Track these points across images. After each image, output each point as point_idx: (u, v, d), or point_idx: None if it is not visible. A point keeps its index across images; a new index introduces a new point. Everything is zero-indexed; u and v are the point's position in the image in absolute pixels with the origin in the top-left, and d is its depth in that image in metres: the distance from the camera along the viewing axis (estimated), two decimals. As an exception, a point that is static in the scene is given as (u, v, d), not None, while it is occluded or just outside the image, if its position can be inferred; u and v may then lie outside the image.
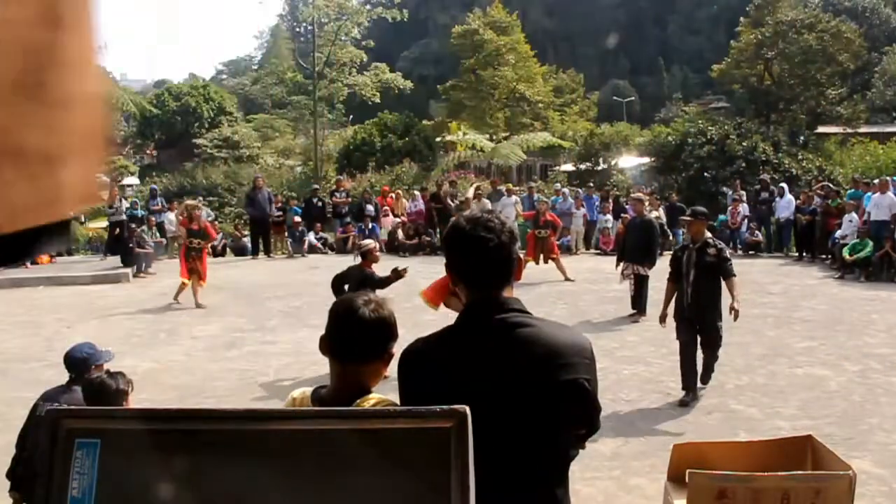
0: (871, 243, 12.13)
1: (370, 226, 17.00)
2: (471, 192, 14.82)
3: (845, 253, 12.31)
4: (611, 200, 16.94)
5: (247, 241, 17.56)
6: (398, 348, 1.87)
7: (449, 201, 16.24)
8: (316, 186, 20.40)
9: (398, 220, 17.25)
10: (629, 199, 10.91)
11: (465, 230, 1.83)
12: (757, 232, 15.40)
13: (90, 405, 3.08)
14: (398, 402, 1.79)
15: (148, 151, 56.04)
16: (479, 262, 1.82)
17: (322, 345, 1.82)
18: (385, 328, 1.79)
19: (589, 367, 1.80)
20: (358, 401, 1.75)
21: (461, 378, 1.75)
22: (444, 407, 1.26)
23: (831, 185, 15.46)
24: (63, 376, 3.81)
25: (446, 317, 1.90)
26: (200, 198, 21.07)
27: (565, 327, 1.92)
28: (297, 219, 17.06)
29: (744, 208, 15.55)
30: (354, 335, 1.77)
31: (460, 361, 1.78)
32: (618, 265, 9.80)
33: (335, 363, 1.81)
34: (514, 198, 16.52)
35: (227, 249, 18.03)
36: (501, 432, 1.69)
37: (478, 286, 1.83)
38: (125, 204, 16.81)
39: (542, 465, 1.79)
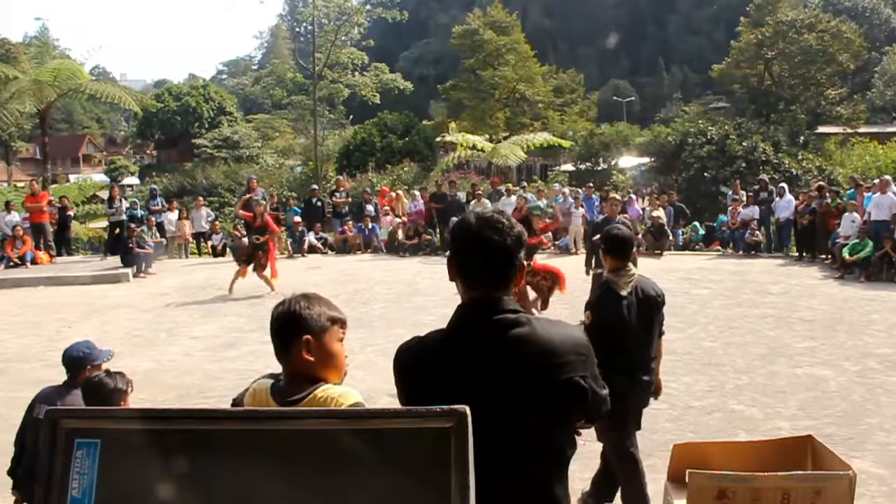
0: (871, 243, 12.11)
1: (370, 226, 17.01)
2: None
3: (845, 253, 12.29)
4: (611, 200, 16.94)
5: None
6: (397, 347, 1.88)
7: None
8: (315, 186, 20.39)
9: (398, 220, 17.25)
10: (608, 200, 10.37)
11: (471, 228, 1.81)
12: (757, 232, 15.38)
13: (89, 404, 3.07)
14: (358, 395, 1.80)
15: (148, 151, 56.11)
16: (480, 263, 1.80)
17: None
18: (289, 321, 1.85)
19: (584, 362, 1.79)
20: (313, 390, 1.79)
21: (456, 379, 1.74)
22: (444, 407, 1.25)
23: (824, 185, 15.40)
24: (64, 376, 3.80)
25: (446, 318, 1.89)
26: (201, 198, 21.05)
27: (559, 324, 1.89)
28: (297, 219, 17.04)
29: (753, 210, 15.41)
30: (272, 331, 1.89)
31: (455, 362, 1.77)
32: (588, 267, 9.53)
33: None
34: (513, 198, 16.53)
35: (227, 249, 18.02)
36: (499, 432, 1.68)
37: (475, 285, 1.81)
38: (125, 204, 16.82)
39: (541, 464, 1.79)
